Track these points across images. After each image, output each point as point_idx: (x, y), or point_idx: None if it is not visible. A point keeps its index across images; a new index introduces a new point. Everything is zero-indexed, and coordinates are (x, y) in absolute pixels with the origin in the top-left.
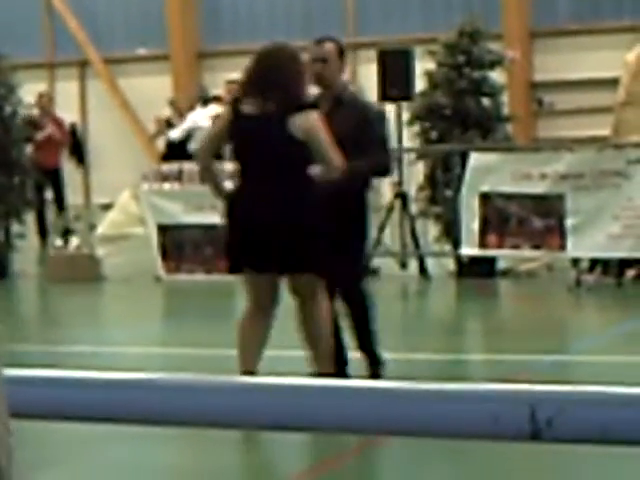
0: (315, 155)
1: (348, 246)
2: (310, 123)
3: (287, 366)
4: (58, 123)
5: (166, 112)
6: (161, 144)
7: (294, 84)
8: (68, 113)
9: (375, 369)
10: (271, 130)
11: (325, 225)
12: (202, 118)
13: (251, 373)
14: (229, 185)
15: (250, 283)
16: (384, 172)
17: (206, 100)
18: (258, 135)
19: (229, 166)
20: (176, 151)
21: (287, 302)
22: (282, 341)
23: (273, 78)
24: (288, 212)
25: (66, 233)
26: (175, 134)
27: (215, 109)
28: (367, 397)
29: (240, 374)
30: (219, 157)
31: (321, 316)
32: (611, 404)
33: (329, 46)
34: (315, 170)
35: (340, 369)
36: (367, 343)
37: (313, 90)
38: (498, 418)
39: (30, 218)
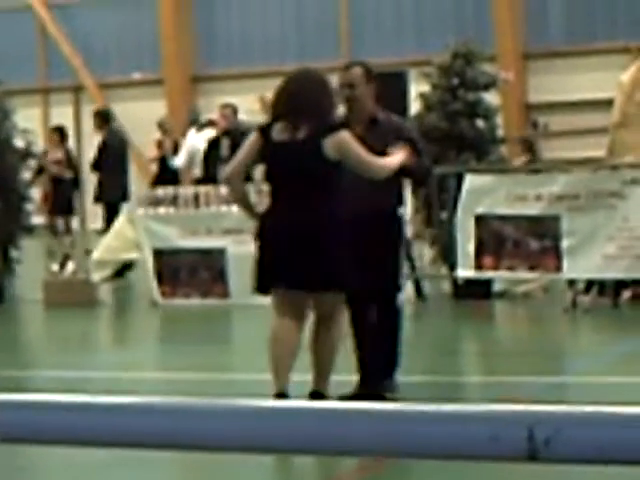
0: (355, 167)
1: (385, 262)
2: (341, 139)
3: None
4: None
5: (156, 135)
6: (154, 167)
7: (325, 109)
8: None
9: (384, 389)
10: (305, 155)
11: (352, 243)
12: (200, 142)
13: (283, 395)
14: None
15: (279, 299)
16: (428, 176)
17: (201, 124)
18: (293, 160)
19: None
20: (169, 175)
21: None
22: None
23: (304, 104)
24: (318, 232)
25: (65, 259)
26: (179, 161)
27: (211, 133)
28: (364, 419)
29: (273, 396)
30: (248, 179)
31: (335, 337)
32: (609, 424)
33: (356, 71)
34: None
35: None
36: (390, 361)
37: (341, 110)
38: (496, 438)
39: (26, 243)
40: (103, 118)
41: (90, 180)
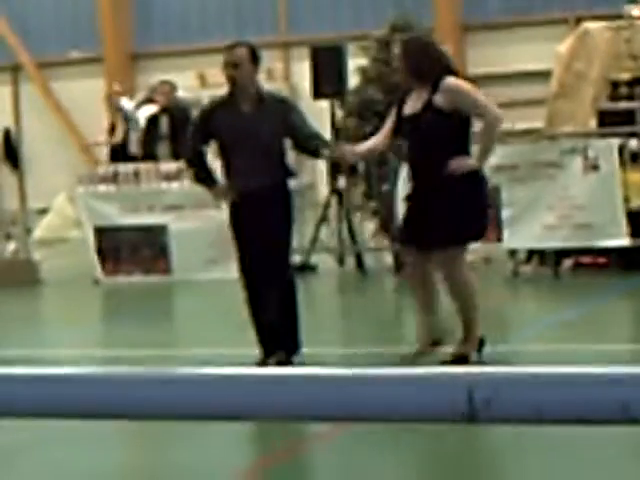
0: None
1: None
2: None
3: None
4: None
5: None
6: (105, 150)
7: (437, 70)
8: (1, 118)
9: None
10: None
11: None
12: (140, 118)
13: None
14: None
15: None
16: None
17: (140, 101)
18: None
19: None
20: (119, 154)
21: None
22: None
23: (422, 69)
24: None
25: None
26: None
27: (150, 109)
28: (308, 384)
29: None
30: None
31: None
32: (546, 385)
33: (240, 51)
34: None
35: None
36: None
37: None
38: (436, 401)
39: None
40: None
41: (31, 160)
